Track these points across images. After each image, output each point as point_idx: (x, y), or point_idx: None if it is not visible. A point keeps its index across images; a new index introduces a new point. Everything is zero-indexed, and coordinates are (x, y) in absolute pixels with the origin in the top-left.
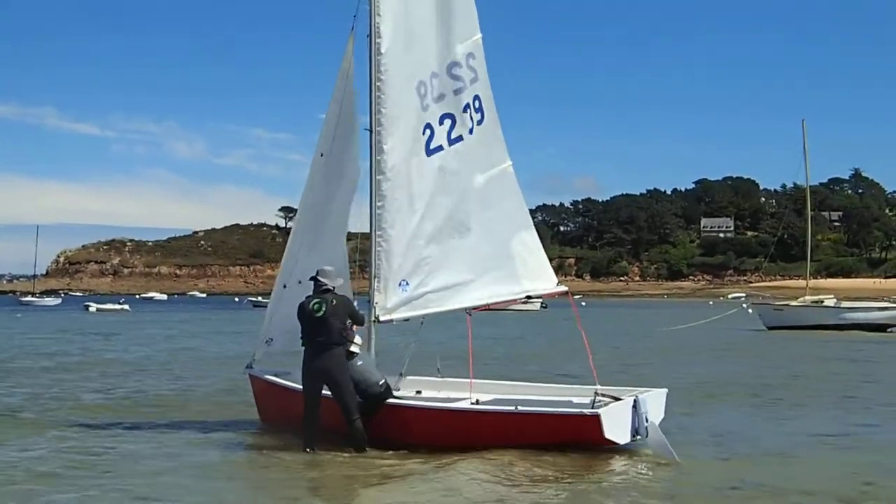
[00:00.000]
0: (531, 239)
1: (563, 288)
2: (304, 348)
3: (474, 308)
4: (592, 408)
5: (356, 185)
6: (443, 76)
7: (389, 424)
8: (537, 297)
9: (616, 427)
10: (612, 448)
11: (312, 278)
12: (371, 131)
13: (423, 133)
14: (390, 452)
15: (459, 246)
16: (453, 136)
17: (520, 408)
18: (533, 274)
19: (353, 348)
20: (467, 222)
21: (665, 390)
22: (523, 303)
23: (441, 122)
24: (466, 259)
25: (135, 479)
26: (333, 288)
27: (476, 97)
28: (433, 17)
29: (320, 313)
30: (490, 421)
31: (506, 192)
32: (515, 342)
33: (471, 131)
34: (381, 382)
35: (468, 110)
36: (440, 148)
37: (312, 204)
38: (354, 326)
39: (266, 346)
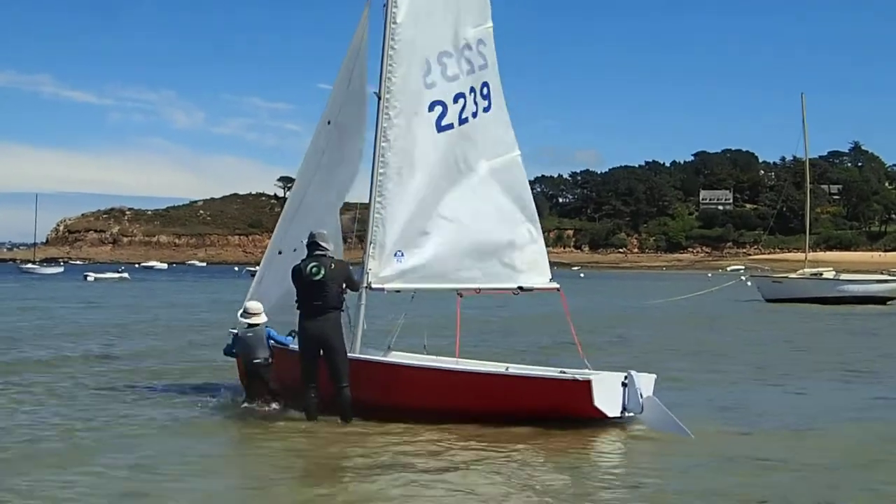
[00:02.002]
0: (533, 231)
1: (555, 285)
2: (298, 312)
3: (465, 289)
4: None
5: (362, 154)
6: (456, 56)
7: (373, 384)
8: (529, 290)
9: (606, 397)
10: (614, 424)
11: (309, 242)
12: (380, 98)
13: (432, 109)
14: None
15: (459, 227)
16: (463, 116)
17: (510, 369)
18: (529, 266)
19: (260, 318)
20: (468, 206)
21: (654, 376)
22: (514, 293)
23: (455, 101)
24: (464, 241)
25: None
26: (328, 251)
27: (485, 84)
28: None
29: (318, 276)
30: (479, 383)
31: (512, 182)
32: (511, 319)
33: (474, 115)
34: (266, 358)
35: (474, 94)
36: (451, 126)
37: (316, 170)
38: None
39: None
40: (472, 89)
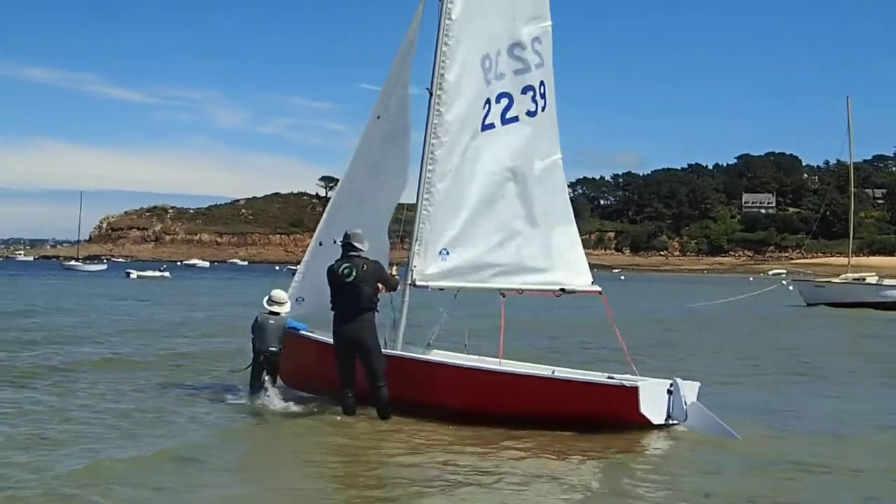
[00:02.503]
0: (573, 233)
1: (597, 288)
2: (332, 313)
3: (508, 290)
4: None
5: (409, 152)
6: (505, 55)
7: (413, 383)
8: (571, 292)
9: (652, 404)
10: (654, 427)
11: (344, 242)
12: (431, 94)
13: (484, 107)
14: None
15: (505, 227)
16: (508, 116)
17: (556, 373)
18: (570, 268)
19: (284, 308)
20: (517, 207)
21: (697, 383)
22: (556, 295)
23: (498, 101)
24: (509, 242)
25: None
26: (362, 251)
27: (542, 83)
28: None
29: (350, 278)
30: (523, 385)
31: (554, 184)
32: (554, 321)
33: (530, 114)
34: (280, 349)
35: (529, 92)
36: (492, 125)
37: (363, 165)
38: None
39: (297, 304)
40: (529, 88)
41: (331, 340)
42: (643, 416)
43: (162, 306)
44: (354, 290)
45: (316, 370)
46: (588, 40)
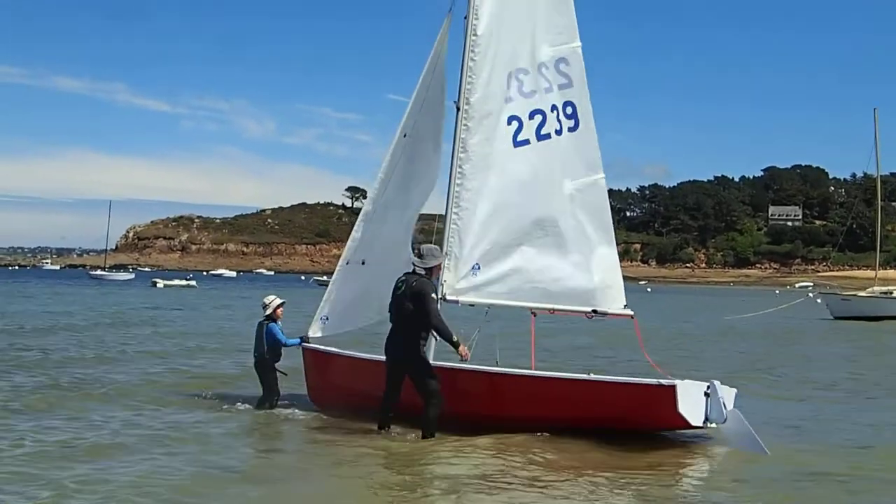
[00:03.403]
0: (610, 255)
1: (630, 312)
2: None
3: (540, 309)
4: None
5: (437, 171)
6: (534, 73)
7: (452, 391)
8: (603, 315)
9: (690, 405)
10: (693, 429)
11: (414, 256)
12: (458, 109)
13: (510, 124)
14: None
15: (538, 245)
16: (542, 132)
17: (592, 375)
18: (604, 291)
19: (266, 312)
20: (549, 225)
21: (734, 390)
22: (588, 317)
23: (531, 118)
24: (542, 260)
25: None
26: (426, 269)
27: (568, 103)
28: (527, 14)
29: (399, 292)
30: (561, 388)
31: (594, 204)
32: (585, 339)
33: (557, 132)
34: (262, 354)
35: (556, 112)
36: (527, 142)
37: (390, 184)
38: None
39: (321, 322)
40: (554, 107)
41: (355, 354)
42: (681, 417)
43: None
44: (399, 305)
45: (347, 386)
46: (619, 51)
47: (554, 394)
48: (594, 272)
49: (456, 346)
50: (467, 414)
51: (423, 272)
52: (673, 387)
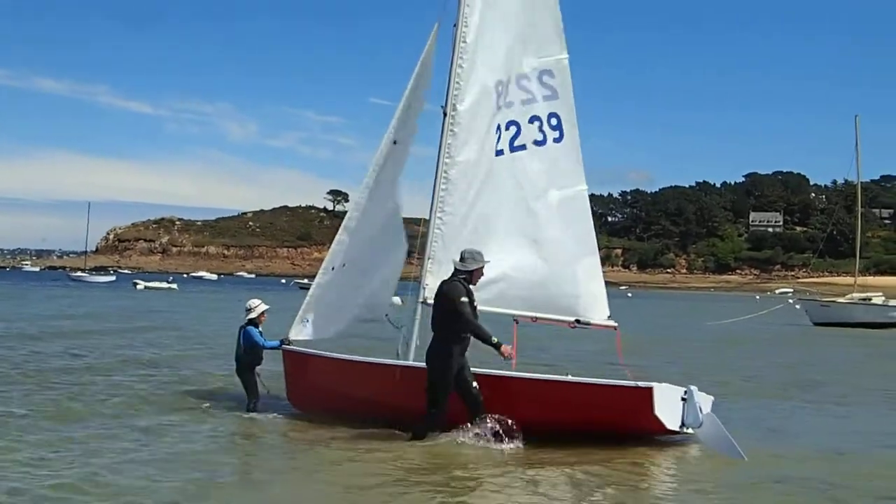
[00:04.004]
0: (593, 265)
1: (613, 323)
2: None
3: (523, 317)
4: None
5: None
6: (513, 84)
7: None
8: (585, 325)
9: (666, 408)
10: (668, 433)
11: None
12: (445, 115)
13: (496, 132)
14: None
15: (522, 253)
16: (516, 144)
17: (570, 376)
18: (588, 299)
19: (249, 315)
20: (533, 234)
21: (711, 397)
22: (570, 326)
23: (507, 128)
24: (524, 268)
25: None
26: (466, 272)
27: (553, 115)
28: (514, 26)
29: (435, 294)
30: (535, 390)
31: (577, 215)
32: (568, 348)
33: (537, 143)
34: (239, 357)
35: (535, 122)
36: (501, 152)
37: (377, 190)
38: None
39: (303, 325)
40: (535, 118)
41: (340, 356)
42: (658, 420)
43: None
44: (434, 310)
45: (328, 389)
46: (601, 57)
47: (527, 394)
48: (577, 282)
49: (497, 346)
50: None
51: (462, 276)
52: (650, 389)
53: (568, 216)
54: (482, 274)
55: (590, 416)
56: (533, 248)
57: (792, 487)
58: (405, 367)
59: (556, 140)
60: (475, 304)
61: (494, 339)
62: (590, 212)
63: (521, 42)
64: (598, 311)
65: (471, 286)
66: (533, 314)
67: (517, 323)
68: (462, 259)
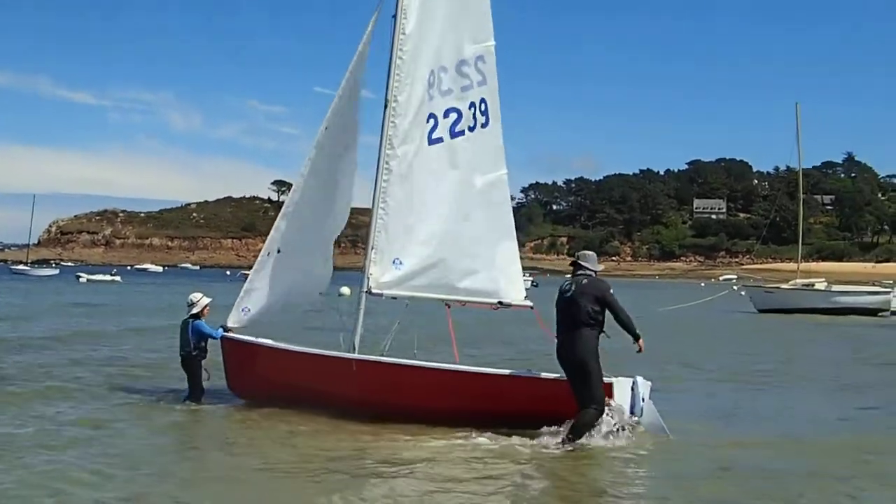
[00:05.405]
0: (511, 248)
1: (529, 303)
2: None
3: (453, 301)
4: None
5: (356, 163)
6: (452, 71)
7: (367, 383)
8: (507, 306)
9: (623, 400)
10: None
11: (572, 262)
12: (386, 105)
13: (428, 121)
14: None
15: (450, 240)
16: (456, 129)
17: (533, 371)
18: (508, 282)
19: (192, 310)
20: (464, 220)
21: (650, 382)
22: (494, 308)
23: (446, 115)
24: (454, 254)
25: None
26: (594, 272)
27: (483, 100)
28: (450, 13)
29: (569, 293)
30: (511, 385)
31: (499, 199)
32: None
33: (471, 129)
34: (188, 351)
35: (472, 109)
36: (440, 140)
37: (311, 177)
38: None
39: (241, 314)
40: (472, 104)
41: (281, 345)
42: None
43: None
44: (572, 304)
45: (272, 377)
46: (544, 42)
47: (510, 390)
48: (499, 265)
49: (637, 337)
50: (385, 404)
51: (591, 273)
52: (610, 385)
53: (491, 200)
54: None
55: (556, 409)
56: (464, 234)
57: (745, 473)
58: (361, 360)
59: (483, 125)
60: None
61: (637, 331)
62: (508, 195)
63: (458, 30)
64: (516, 291)
65: None
66: (462, 298)
67: (449, 307)
68: (586, 259)
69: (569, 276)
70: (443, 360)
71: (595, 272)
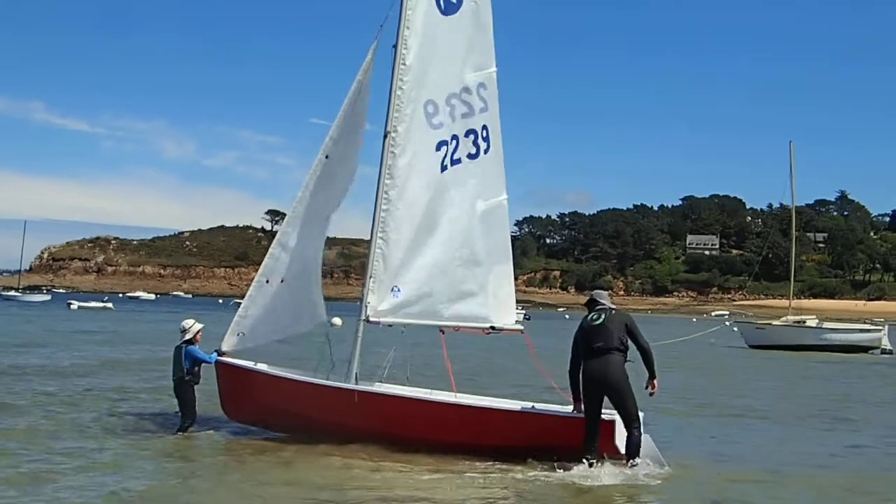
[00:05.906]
0: (507, 272)
1: (520, 328)
2: (583, 364)
3: (447, 327)
4: None
5: (348, 191)
6: (453, 100)
7: (365, 414)
8: (499, 330)
9: (621, 437)
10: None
11: (588, 301)
12: (386, 135)
13: (439, 149)
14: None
15: (453, 266)
16: (455, 157)
17: (536, 406)
18: (500, 306)
19: (184, 336)
20: (463, 247)
21: (642, 413)
22: (486, 332)
23: (447, 144)
24: (452, 280)
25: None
26: (612, 308)
27: (484, 126)
28: (454, 42)
29: (598, 322)
30: (521, 420)
31: (499, 224)
32: (498, 358)
33: (472, 156)
34: (181, 377)
35: (471, 136)
36: (442, 168)
37: (307, 205)
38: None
39: (236, 339)
40: (474, 131)
41: (279, 372)
42: (617, 448)
43: None
44: (601, 331)
45: (268, 403)
46: (541, 78)
47: (516, 425)
48: (492, 290)
49: (653, 375)
50: (384, 435)
51: (610, 308)
52: (612, 422)
53: (492, 225)
54: None
55: (555, 443)
56: (463, 261)
57: None
58: (363, 392)
59: (486, 151)
60: None
61: (655, 369)
62: (507, 220)
63: (460, 59)
64: (508, 316)
65: None
66: (455, 324)
67: (443, 333)
68: (601, 297)
69: (587, 312)
70: (437, 388)
71: (612, 309)
